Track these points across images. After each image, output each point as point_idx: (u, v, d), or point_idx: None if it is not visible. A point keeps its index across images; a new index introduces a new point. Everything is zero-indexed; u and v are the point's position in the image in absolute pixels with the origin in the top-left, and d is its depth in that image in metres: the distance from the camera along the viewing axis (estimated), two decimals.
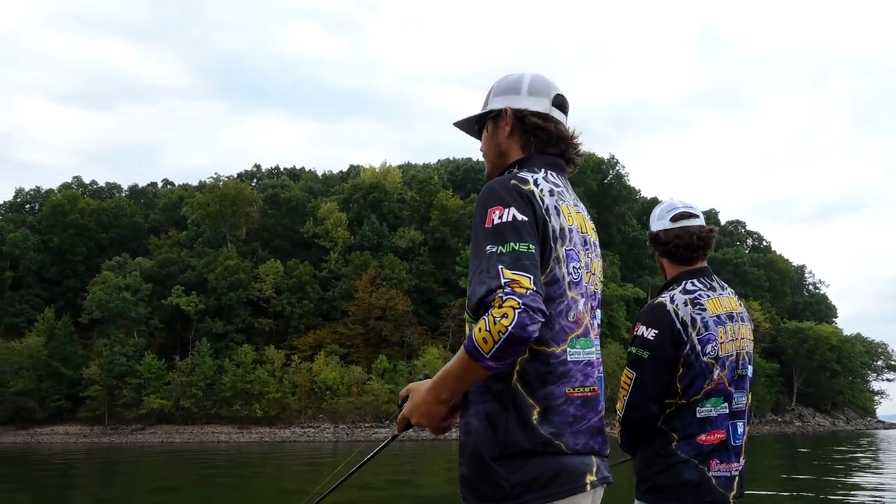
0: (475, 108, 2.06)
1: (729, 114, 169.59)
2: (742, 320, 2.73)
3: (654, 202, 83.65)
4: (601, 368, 1.86)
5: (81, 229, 70.53)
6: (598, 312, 1.89)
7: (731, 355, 2.63)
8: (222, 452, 39.71)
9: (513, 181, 1.74)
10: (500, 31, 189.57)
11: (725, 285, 2.77)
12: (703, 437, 2.56)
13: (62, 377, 60.06)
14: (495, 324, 1.56)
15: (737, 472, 2.63)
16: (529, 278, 1.60)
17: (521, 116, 1.90)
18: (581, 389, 1.74)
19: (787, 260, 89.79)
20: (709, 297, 2.66)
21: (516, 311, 1.56)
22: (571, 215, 1.81)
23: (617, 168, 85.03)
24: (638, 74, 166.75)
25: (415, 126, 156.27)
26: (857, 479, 18.73)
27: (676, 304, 2.61)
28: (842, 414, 79.70)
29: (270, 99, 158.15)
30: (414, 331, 63.07)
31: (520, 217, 1.67)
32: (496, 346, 1.56)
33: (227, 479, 22.30)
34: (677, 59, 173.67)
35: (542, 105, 1.92)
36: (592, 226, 1.95)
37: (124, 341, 60.40)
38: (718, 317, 2.63)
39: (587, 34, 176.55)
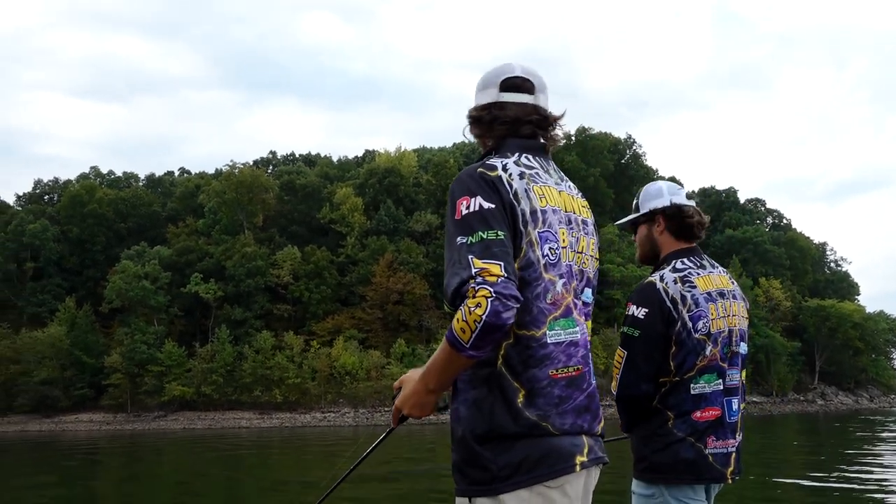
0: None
1: (746, 93, 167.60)
2: (734, 298, 2.74)
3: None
4: (588, 346, 1.86)
5: (100, 219, 71.02)
6: (588, 291, 1.89)
7: (724, 332, 2.65)
8: (243, 439, 39.96)
9: (479, 169, 1.76)
10: (514, 16, 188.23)
11: (716, 264, 2.82)
12: (697, 413, 2.58)
13: (85, 366, 60.71)
14: (470, 313, 1.59)
15: (733, 449, 2.65)
16: (500, 265, 1.63)
17: (472, 116, 1.95)
18: (564, 370, 1.76)
19: (808, 237, 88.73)
20: (699, 274, 2.69)
21: (489, 299, 1.59)
22: (546, 196, 1.80)
23: (634, 148, 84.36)
24: (654, 56, 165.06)
25: (430, 112, 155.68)
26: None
27: (666, 283, 2.64)
28: (865, 392, 78.93)
29: (285, 88, 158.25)
30: (432, 314, 63.06)
31: (486, 205, 1.69)
32: (473, 336, 1.59)
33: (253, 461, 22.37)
34: (693, 40, 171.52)
35: (490, 95, 1.92)
36: (584, 203, 1.95)
37: (145, 329, 60.90)
38: (709, 293, 2.66)
39: (602, 16, 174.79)
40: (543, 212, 1.78)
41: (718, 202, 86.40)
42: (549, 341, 1.74)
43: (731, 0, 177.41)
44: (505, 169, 1.77)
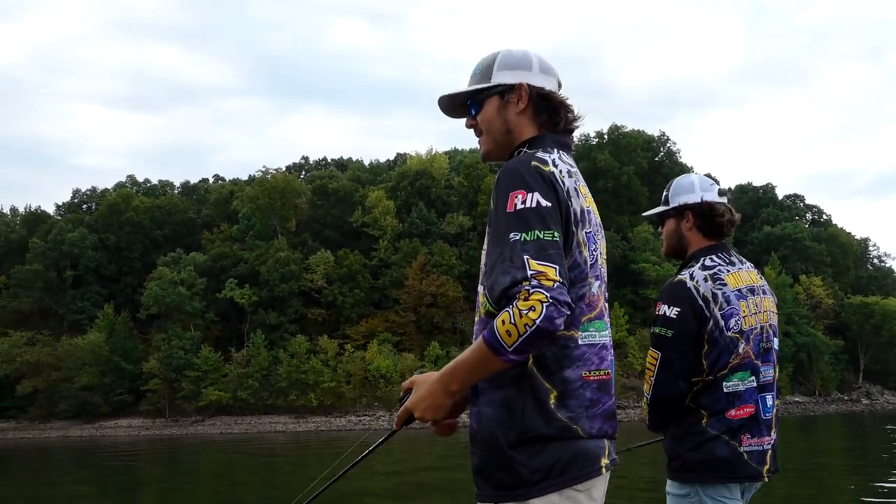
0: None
1: (782, 88, 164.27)
2: (764, 293, 2.71)
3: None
4: (613, 351, 1.81)
5: (137, 227, 71.92)
6: (606, 294, 1.84)
7: (756, 328, 2.63)
8: (279, 444, 40.04)
9: (533, 162, 1.68)
10: (543, 16, 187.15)
11: (744, 259, 2.77)
12: (732, 412, 2.56)
13: (123, 372, 61.45)
14: (521, 317, 1.52)
15: (769, 446, 2.62)
16: (555, 269, 1.57)
17: (542, 94, 1.84)
18: (597, 373, 1.72)
19: (850, 233, 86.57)
20: (728, 271, 2.66)
21: (544, 304, 1.52)
22: (588, 196, 1.77)
23: (668, 145, 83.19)
24: (686, 52, 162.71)
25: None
26: None
27: (696, 281, 2.61)
28: None
29: (316, 94, 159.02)
30: (466, 317, 62.66)
31: (544, 203, 1.62)
32: (521, 340, 1.53)
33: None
34: (727, 35, 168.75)
35: (552, 85, 1.87)
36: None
37: (181, 335, 61.47)
38: (739, 290, 2.63)
39: (633, 13, 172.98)
40: (588, 212, 1.75)
41: (756, 199, 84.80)
42: (582, 342, 1.70)
43: None
44: (555, 164, 1.71)
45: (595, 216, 1.81)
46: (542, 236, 1.60)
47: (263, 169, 74.86)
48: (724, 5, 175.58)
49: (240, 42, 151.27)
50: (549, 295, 1.53)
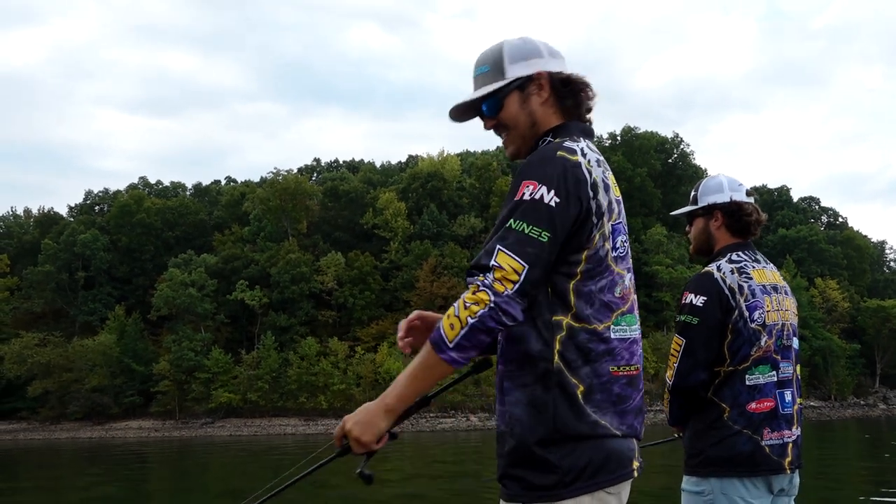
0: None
1: (797, 90, 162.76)
2: (786, 293, 2.77)
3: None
4: (641, 346, 1.78)
5: (148, 228, 71.99)
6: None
7: (777, 324, 2.66)
8: (288, 446, 39.78)
9: (560, 152, 1.64)
10: (556, 18, 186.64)
11: (768, 260, 2.83)
12: (753, 405, 2.58)
13: (134, 373, 61.41)
14: (465, 309, 1.54)
15: (790, 440, 2.63)
16: (524, 267, 1.55)
17: (563, 79, 1.77)
18: (626, 368, 1.69)
19: (866, 236, 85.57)
20: (754, 267, 2.72)
21: (486, 305, 1.53)
22: (616, 186, 1.73)
23: (681, 147, 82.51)
24: (700, 55, 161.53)
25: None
26: None
27: (724, 272, 2.66)
28: None
29: (330, 97, 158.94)
30: None
31: (548, 198, 1.58)
32: (461, 335, 1.54)
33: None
34: (742, 37, 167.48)
35: (564, 66, 1.81)
36: None
37: (192, 337, 61.37)
38: (764, 286, 2.68)
39: (645, 17, 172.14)
40: (618, 202, 1.71)
41: (771, 201, 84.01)
42: (612, 336, 1.66)
43: None
44: (584, 154, 1.66)
45: (622, 206, 1.76)
46: (527, 231, 1.56)
47: (275, 171, 74.83)
48: (740, 8, 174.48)
49: (255, 47, 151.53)
50: (493, 300, 1.52)
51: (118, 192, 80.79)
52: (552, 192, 1.58)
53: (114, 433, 58.49)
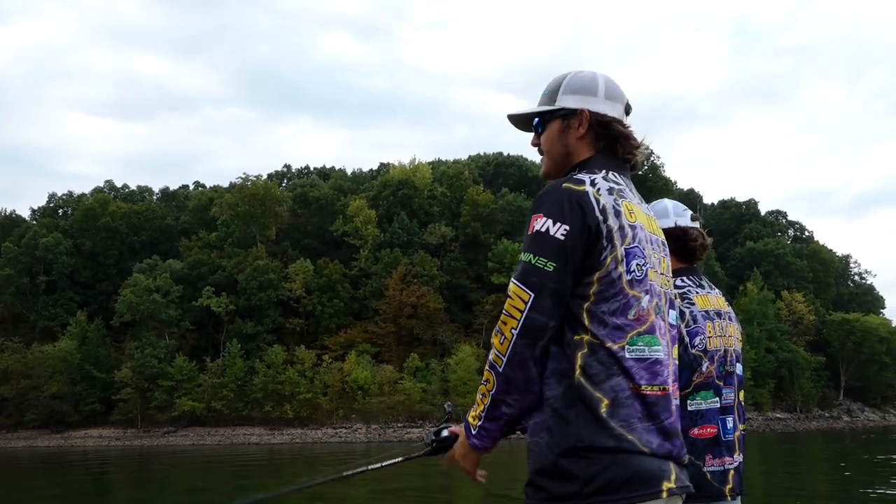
0: (506, 109, 2.05)
1: (764, 107, 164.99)
2: (730, 319, 2.79)
3: (691, 194, 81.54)
4: (673, 368, 1.84)
5: (113, 232, 70.56)
6: (673, 313, 1.91)
7: (719, 350, 2.69)
8: (252, 455, 39.02)
9: (565, 184, 1.74)
10: (528, 32, 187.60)
11: (713, 286, 2.85)
12: (695, 431, 2.60)
13: (95, 380, 59.90)
14: (498, 340, 1.72)
15: (731, 467, 2.66)
16: (530, 295, 1.67)
17: (603, 122, 1.88)
18: (649, 387, 1.72)
19: (831, 250, 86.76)
20: (697, 293, 2.74)
21: (512, 331, 1.69)
22: (634, 212, 1.80)
23: (651, 159, 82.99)
24: (669, 70, 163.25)
25: (445, 126, 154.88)
26: None
27: None
28: (892, 408, 76.69)
29: (301, 105, 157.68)
30: (446, 328, 61.98)
31: (553, 230, 1.69)
32: (507, 358, 1.71)
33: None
34: (710, 54, 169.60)
35: (617, 111, 1.91)
36: (658, 224, 1.96)
37: (155, 343, 60.14)
38: (706, 312, 2.70)
39: (618, 30, 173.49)
40: (633, 227, 1.76)
41: (739, 214, 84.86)
42: (628, 356, 1.70)
43: (749, 16, 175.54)
44: (593, 184, 1.75)
45: (653, 235, 1.85)
46: (533, 261, 1.68)
47: (244, 176, 73.91)
48: (711, 25, 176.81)
49: (227, 52, 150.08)
50: (510, 347, 1.70)
51: (83, 195, 79.30)
52: (558, 224, 1.68)
53: (73, 442, 57.05)
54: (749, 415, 60.03)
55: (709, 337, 2.68)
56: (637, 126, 1.99)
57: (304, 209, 73.12)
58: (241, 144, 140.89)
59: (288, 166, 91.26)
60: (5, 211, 78.97)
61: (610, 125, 1.88)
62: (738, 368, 2.81)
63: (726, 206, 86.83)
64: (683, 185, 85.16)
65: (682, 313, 2.66)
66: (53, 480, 25.30)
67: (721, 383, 2.69)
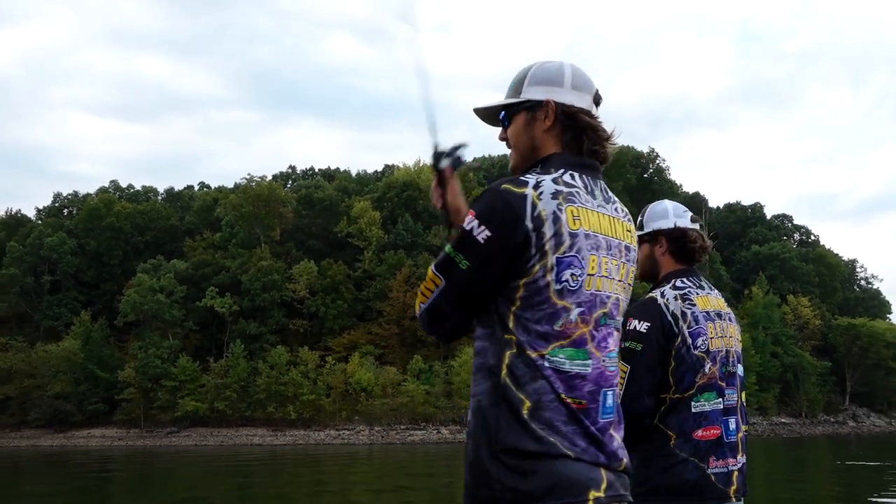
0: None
1: (769, 111, 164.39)
2: (730, 320, 2.79)
3: (696, 198, 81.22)
4: (607, 382, 1.73)
5: (117, 232, 70.66)
6: (620, 320, 1.81)
7: (721, 351, 2.68)
8: (255, 456, 38.91)
9: (505, 185, 1.70)
10: (531, 35, 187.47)
11: (713, 287, 2.86)
12: (699, 432, 2.59)
13: (98, 380, 59.96)
14: (419, 301, 1.80)
15: (735, 468, 2.65)
16: (440, 283, 1.71)
17: (569, 113, 1.81)
18: (571, 398, 1.67)
19: (837, 254, 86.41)
20: (698, 293, 2.73)
21: (422, 308, 1.78)
22: (581, 218, 1.70)
23: (657, 162, 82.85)
24: (673, 74, 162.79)
25: (450, 128, 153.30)
26: None
27: (667, 299, 2.68)
28: None
29: (305, 106, 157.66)
30: None
31: (477, 231, 1.65)
32: (419, 316, 1.82)
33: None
34: (714, 58, 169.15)
35: (585, 101, 1.84)
36: (629, 228, 1.85)
37: (159, 343, 60.14)
38: (707, 313, 2.69)
39: (621, 34, 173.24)
40: (573, 234, 1.68)
41: (744, 218, 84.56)
42: (547, 365, 1.65)
43: (753, 20, 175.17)
44: (537, 186, 1.68)
45: (613, 239, 1.76)
46: (452, 255, 1.68)
47: (248, 177, 73.92)
48: (713, 29, 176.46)
49: (231, 54, 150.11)
50: (423, 307, 1.77)
51: (88, 195, 79.41)
52: (482, 227, 1.64)
53: (76, 441, 57.03)
54: (754, 419, 59.73)
55: (711, 338, 2.66)
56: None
57: (308, 210, 73.09)
58: (244, 146, 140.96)
59: (293, 167, 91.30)
60: (10, 211, 79.34)
61: (576, 116, 1.81)
62: (740, 369, 2.80)
63: (732, 209, 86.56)
64: (689, 188, 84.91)
65: (683, 314, 2.65)
66: (50, 480, 25.22)
67: (724, 384, 2.68)
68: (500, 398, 1.64)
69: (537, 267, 1.66)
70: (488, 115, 1.95)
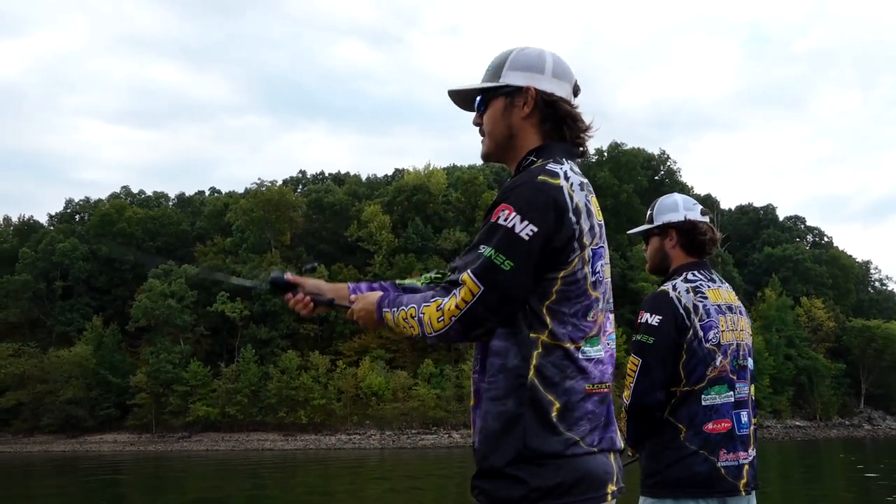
0: None
1: (779, 112, 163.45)
2: (741, 314, 2.78)
3: (708, 200, 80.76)
4: (613, 360, 1.79)
5: (129, 238, 70.82)
6: (611, 304, 1.85)
7: (732, 344, 2.67)
8: (267, 461, 38.83)
9: (541, 176, 1.65)
10: (539, 38, 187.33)
11: (723, 280, 2.83)
12: (710, 425, 2.58)
13: (110, 385, 60.12)
14: (438, 316, 1.68)
15: (745, 461, 2.64)
16: (480, 290, 1.62)
17: (549, 101, 1.77)
18: (599, 386, 1.71)
19: (851, 256, 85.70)
20: (709, 286, 2.72)
21: (452, 319, 1.66)
22: (599, 210, 1.75)
23: (668, 164, 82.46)
24: (683, 76, 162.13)
25: (459, 131, 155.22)
26: None
27: (679, 292, 2.67)
28: None
29: (316, 112, 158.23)
30: None
31: (519, 228, 1.60)
32: (437, 333, 1.70)
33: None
34: (724, 60, 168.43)
35: (565, 90, 1.80)
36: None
37: (170, 349, 60.24)
38: (719, 306, 2.68)
39: (630, 37, 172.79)
40: (600, 226, 1.72)
41: (756, 219, 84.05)
42: (582, 357, 1.67)
43: (763, 21, 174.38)
44: (566, 177, 1.66)
45: (600, 226, 1.76)
46: (493, 257, 1.60)
47: (258, 181, 74.07)
48: (723, 31, 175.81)
49: (242, 60, 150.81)
50: (451, 322, 1.67)
51: (99, 200, 79.77)
52: (525, 223, 1.59)
53: (88, 447, 57.14)
54: (768, 422, 59.20)
55: (722, 331, 2.65)
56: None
57: (318, 215, 73.13)
58: (255, 151, 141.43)
59: (303, 172, 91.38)
60: (23, 217, 79.83)
61: (556, 104, 1.76)
62: (750, 363, 2.78)
63: (744, 211, 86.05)
64: (700, 190, 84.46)
65: (695, 307, 2.63)
66: (60, 484, 25.22)
67: (735, 377, 2.66)
68: (526, 400, 1.61)
69: (576, 259, 1.64)
70: (463, 98, 1.88)
